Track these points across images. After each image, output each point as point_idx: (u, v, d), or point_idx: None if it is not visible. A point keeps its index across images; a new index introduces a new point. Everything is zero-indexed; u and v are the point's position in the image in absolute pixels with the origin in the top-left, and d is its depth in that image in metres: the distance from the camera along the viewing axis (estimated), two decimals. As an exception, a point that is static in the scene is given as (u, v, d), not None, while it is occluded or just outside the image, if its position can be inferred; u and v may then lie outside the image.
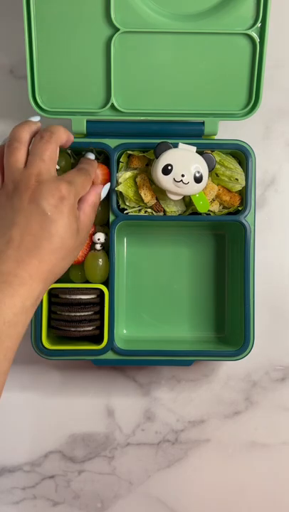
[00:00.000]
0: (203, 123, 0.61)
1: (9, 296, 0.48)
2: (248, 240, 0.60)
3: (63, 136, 0.55)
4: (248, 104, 0.61)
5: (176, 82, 0.61)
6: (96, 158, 0.61)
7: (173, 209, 0.62)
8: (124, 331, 0.64)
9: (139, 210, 0.62)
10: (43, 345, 0.60)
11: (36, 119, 0.57)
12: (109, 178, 0.61)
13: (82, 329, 0.59)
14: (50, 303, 0.61)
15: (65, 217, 0.51)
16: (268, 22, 0.59)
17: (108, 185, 0.60)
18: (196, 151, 0.59)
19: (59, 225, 0.51)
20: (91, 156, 0.61)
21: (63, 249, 0.52)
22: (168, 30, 0.59)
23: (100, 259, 0.61)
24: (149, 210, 0.62)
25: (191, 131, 0.61)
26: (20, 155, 0.53)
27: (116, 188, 0.61)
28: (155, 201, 0.61)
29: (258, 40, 0.59)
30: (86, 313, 0.59)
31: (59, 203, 0.51)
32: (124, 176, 0.61)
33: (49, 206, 0.51)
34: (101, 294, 0.59)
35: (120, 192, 0.61)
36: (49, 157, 0.53)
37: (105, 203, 0.62)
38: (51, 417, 0.66)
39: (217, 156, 0.61)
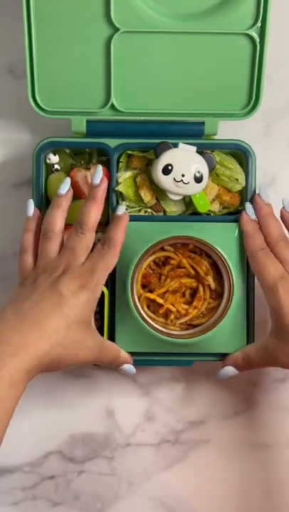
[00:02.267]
0: (203, 123, 0.61)
1: None
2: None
3: (94, 223, 0.56)
4: (248, 104, 0.61)
5: (176, 81, 0.60)
6: (95, 158, 0.62)
7: (173, 209, 0.61)
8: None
9: (139, 210, 0.62)
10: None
11: (65, 188, 0.58)
12: (109, 179, 0.61)
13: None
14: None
15: (79, 304, 0.53)
16: (268, 22, 0.59)
17: (131, 367, 0.59)
18: (196, 151, 0.59)
19: (71, 310, 0.53)
20: (120, 210, 0.59)
21: (67, 335, 0.52)
22: (168, 30, 0.59)
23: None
24: (149, 210, 0.62)
25: (191, 131, 0.61)
26: (53, 245, 0.56)
27: (116, 188, 0.61)
28: (155, 201, 0.61)
29: (258, 40, 0.59)
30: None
31: (78, 289, 0.53)
32: (124, 176, 0.61)
33: (67, 291, 0.53)
34: (101, 294, 0.59)
35: (120, 192, 0.61)
36: (80, 249, 0.55)
37: (105, 203, 0.61)
38: (51, 418, 0.66)
39: (217, 156, 0.61)
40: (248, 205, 0.60)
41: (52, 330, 0.51)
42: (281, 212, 0.59)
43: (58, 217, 0.57)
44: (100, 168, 0.57)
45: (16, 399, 0.50)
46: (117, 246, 0.56)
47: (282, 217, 0.59)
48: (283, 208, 0.59)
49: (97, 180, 0.57)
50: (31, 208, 0.59)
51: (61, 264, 0.55)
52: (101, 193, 0.57)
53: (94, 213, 0.56)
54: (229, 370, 0.59)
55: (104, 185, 0.57)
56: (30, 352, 0.50)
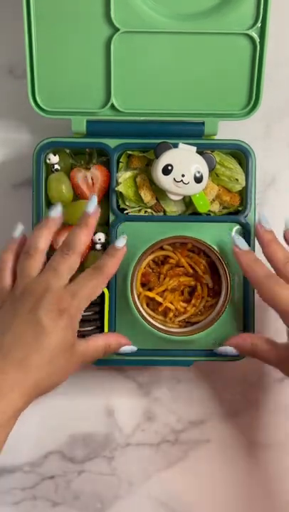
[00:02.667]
0: (203, 123, 0.61)
1: None
2: (248, 240, 0.60)
3: (82, 248, 0.55)
4: (248, 104, 0.61)
5: (176, 82, 0.60)
6: (95, 158, 0.62)
7: (173, 209, 0.62)
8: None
9: (139, 210, 0.62)
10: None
11: (57, 213, 0.57)
12: (109, 179, 0.61)
13: (82, 329, 0.58)
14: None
15: (59, 331, 0.51)
16: (268, 22, 0.59)
17: (132, 348, 0.59)
18: (196, 151, 0.59)
19: (52, 339, 0.51)
20: (120, 242, 0.57)
21: (53, 364, 0.51)
22: (168, 30, 0.59)
23: (101, 260, 0.61)
24: (149, 210, 0.62)
25: (191, 131, 0.61)
26: (35, 262, 0.54)
27: (116, 188, 0.61)
28: (155, 201, 0.61)
29: (258, 40, 0.59)
30: (86, 313, 0.58)
31: (57, 316, 0.51)
32: (124, 176, 0.61)
33: (46, 319, 0.51)
34: (101, 294, 0.59)
35: (120, 192, 0.61)
36: (63, 270, 0.54)
37: (105, 203, 0.62)
38: (51, 418, 0.66)
39: (217, 156, 0.61)
40: (236, 237, 0.58)
41: (36, 365, 0.50)
42: (284, 233, 0.58)
43: (43, 236, 0.55)
44: (94, 198, 0.57)
45: (3, 439, 0.49)
46: (107, 275, 0.55)
47: (285, 238, 0.58)
48: (287, 229, 0.58)
49: (91, 209, 0.56)
50: (19, 230, 0.58)
51: (41, 283, 0.53)
52: (93, 222, 0.56)
53: (84, 238, 0.55)
54: (231, 350, 0.58)
55: (98, 214, 0.57)
56: (17, 391, 0.49)
